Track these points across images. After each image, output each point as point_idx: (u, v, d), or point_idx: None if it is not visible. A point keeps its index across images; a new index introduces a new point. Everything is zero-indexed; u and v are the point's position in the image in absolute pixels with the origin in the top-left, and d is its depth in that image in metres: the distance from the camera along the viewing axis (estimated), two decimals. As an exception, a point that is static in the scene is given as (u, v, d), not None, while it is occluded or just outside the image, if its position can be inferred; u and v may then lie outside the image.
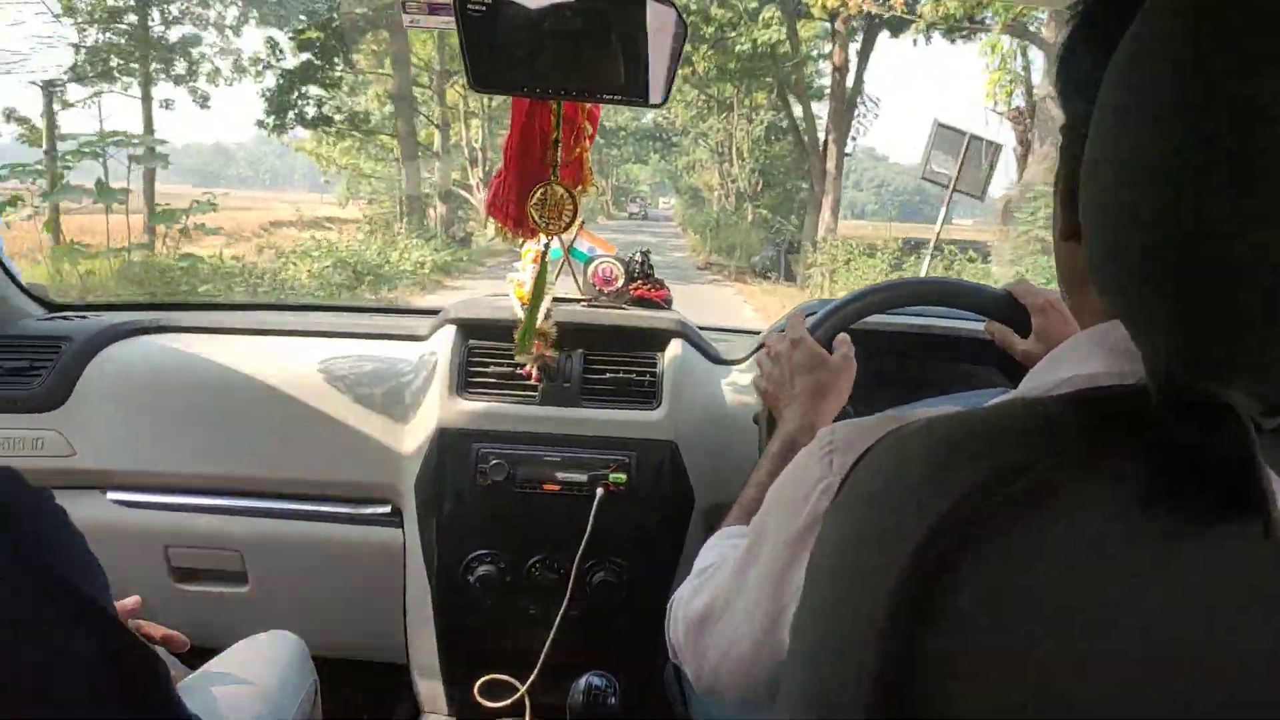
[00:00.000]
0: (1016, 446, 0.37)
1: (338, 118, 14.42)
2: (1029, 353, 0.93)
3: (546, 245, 1.22)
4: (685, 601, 0.70)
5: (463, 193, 15.02)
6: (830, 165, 13.72)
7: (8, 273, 1.46)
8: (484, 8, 1.02)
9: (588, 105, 1.20)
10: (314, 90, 13.55)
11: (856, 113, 14.42)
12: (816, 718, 0.39)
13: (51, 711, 0.53)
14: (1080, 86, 0.45)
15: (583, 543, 1.24)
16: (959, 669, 0.34)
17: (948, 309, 1.08)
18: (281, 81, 13.06)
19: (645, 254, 1.42)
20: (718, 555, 0.74)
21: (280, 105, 13.20)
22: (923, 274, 7.27)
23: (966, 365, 1.40)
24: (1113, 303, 0.39)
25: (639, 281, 1.40)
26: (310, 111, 13.64)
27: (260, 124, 13.37)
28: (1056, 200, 0.50)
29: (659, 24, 1.08)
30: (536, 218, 1.19)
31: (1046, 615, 0.34)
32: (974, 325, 1.38)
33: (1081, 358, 0.48)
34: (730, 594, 0.63)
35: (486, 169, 15.09)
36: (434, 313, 1.44)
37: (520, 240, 1.25)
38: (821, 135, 14.26)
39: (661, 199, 52.03)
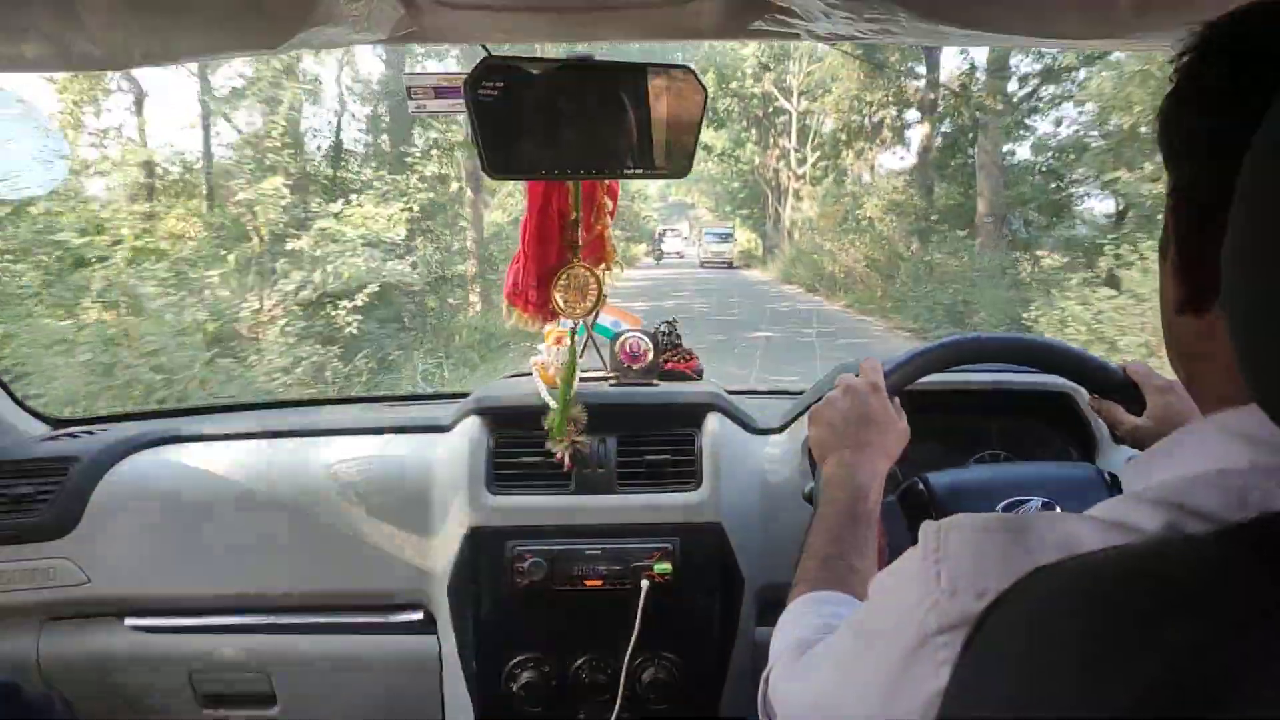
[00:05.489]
0: (1197, 607, 0.30)
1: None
2: (1138, 430, 0.88)
3: (574, 327, 1.17)
4: (787, 694, 0.64)
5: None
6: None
7: (6, 390, 1.39)
8: (496, 92, 0.97)
9: (607, 181, 1.15)
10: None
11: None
12: None
13: None
14: (1189, 148, 0.43)
15: (631, 640, 1.15)
16: None
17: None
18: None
19: (671, 323, 1.36)
20: (810, 631, 0.67)
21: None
22: None
23: (1012, 421, 1.33)
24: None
25: (668, 353, 1.33)
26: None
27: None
28: (1164, 270, 0.46)
29: (677, 93, 1.04)
30: (561, 302, 1.13)
31: None
32: (1023, 380, 1.31)
33: (1214, 448, 0.42)
34: (839, 692, 0.57)
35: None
36: (455, 398, 1.37)
37: (541, 326, 1.19)
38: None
39: (678, 231, 35.42)
